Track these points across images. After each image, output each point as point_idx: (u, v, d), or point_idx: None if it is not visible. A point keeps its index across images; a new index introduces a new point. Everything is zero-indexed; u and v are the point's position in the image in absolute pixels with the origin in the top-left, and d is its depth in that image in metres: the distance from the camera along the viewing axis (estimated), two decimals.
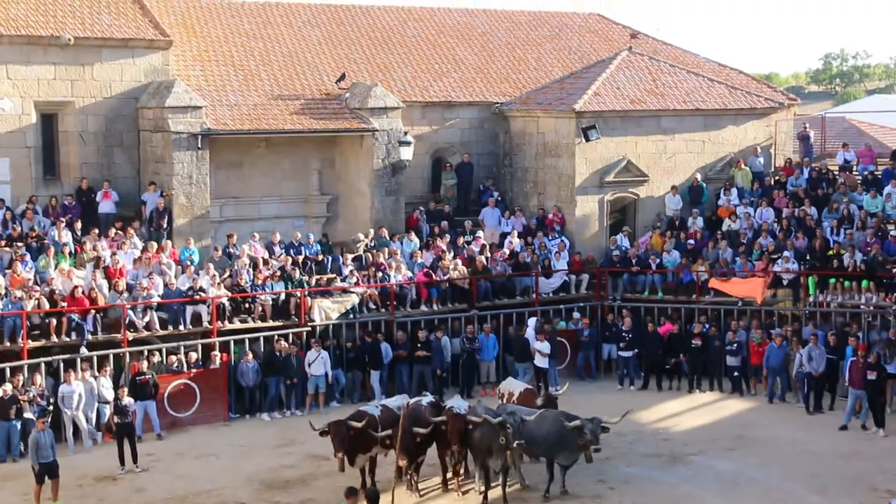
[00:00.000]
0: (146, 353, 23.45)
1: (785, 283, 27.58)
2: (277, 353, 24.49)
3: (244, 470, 20.18)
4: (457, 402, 19.70)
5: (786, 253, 27.68)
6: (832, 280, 27.09)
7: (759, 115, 32.75)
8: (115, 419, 20.89)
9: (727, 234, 29.74)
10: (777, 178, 32.04)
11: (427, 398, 20.03)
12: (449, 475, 19.34)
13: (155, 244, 26.07)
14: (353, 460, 18.72)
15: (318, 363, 24.57)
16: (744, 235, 29.45)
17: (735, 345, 25.70)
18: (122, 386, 22.00)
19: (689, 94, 32.09)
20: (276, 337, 24.87)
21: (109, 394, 22.52)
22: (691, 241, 29.58)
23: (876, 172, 31.28)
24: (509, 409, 19.29)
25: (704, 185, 31.42)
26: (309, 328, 25.53)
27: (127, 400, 21.04)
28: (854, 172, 31.76)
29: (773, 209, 30.34)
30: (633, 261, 28.97)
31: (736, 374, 25.80)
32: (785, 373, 25.16)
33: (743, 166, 31.89)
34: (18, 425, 21.20)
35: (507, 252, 29.04)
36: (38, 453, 18.34)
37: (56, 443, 19.08)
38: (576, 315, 27.94)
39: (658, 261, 29.01)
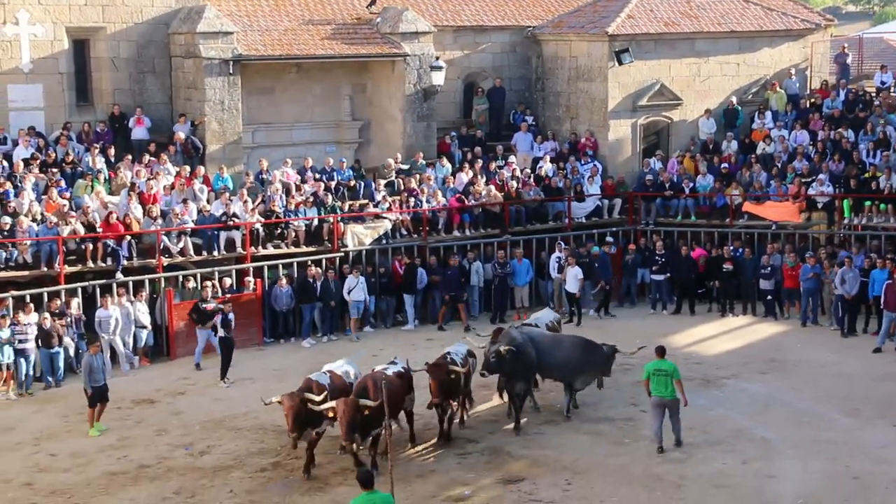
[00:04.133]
0: (187, 279, 23.64)
1: (819, 206, 27.37)
2: (310, 280, 24.59)
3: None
4: (456, 348, 18.79)
5: (820, 176, 27.41)
6: (867, 203, 26.84)
7: (795, 36, 32.22)
8: (221, 332, 21.39)
9: (761, 157, 29.46)
10: (812, 100, 31.61)
11: (396, 366, 17.79)
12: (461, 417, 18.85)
13: (188, 168, 26.14)
14: (300, 435, 16.35)
15: (358, 289, 24.68)
16: (778, 159, 29.17)
17: (769, 268, 25.59)
18: (228, 301, 22.48)
19: (723, 16, 31.59)
20: (308, 263, 24.98)
21: (146, 318, 22.82)
22: (725, 165, 29.34)
23: None
24: (534, 332, 19.56)
25: (739, 108, 31.07)
26: (342, 254, 25.63)
27: (231, 315, 21.55)
28: (892, 93, 31.23)
29: (808, 132, 30.00)
30: (667, 185, 28.78)
31: (769, 297, 25.73)
32: (819, 296, 25.06)
33: (778, 89, 31.47)
34: (62, 351, 21.48)
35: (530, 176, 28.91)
36: (91, 377, 18.58)
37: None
38: (609, 239, 27.87)
39: (691, 185, 28.82)
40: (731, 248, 26.56)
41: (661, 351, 17.76)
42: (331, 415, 16.10)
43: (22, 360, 21.00)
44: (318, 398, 16.18)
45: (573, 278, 25.58)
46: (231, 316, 21.61)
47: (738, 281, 26.18)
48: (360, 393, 16.31)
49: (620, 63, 29.66)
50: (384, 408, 15.42)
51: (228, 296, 23.66)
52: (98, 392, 18.71)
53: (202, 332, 22.73)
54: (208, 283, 23.42)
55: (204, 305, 22.78)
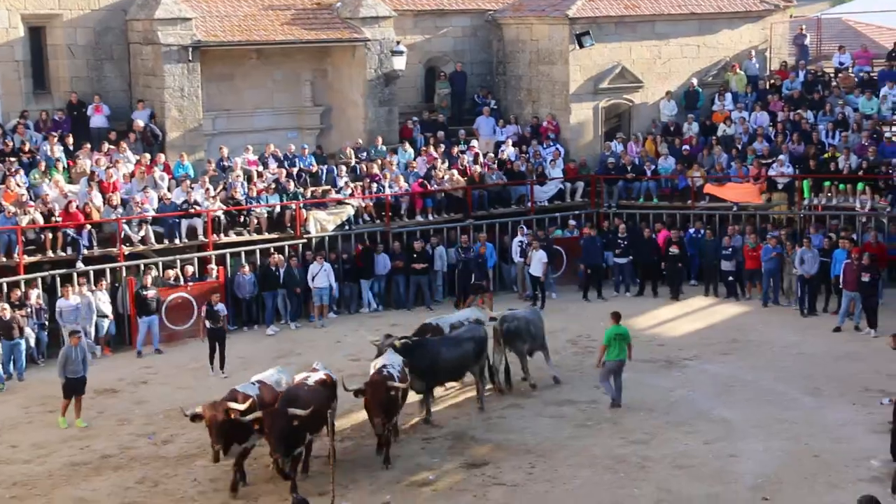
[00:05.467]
0: (146, 268, 23.52)
1: (780, 187, 27.57)
2: (273, 268, 24.52)
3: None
4: (390, 359, 17.24)
5: (780, 157, 27.61)
6: (827, 183, 27.08)
7: (755, 17, 32.40)
8: (207, 323, 21.15)
9: (722, 139, 29.63)
10: (772, 81, 31.80)
11: (318, 373, 16.58)
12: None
13: (148, 156, 25.96)
14: (227, 449, 15.22)
15: (322, 275, 24.64)
16: (738, 140, 29.35)
17: (730, 250, 25.75)
18: (215, 293, 22.09)
19: None
20: (270, 251, 24.88)
21: (107, 307, 22.67)
22: (686, 147, 29.48)
23: (872, 74, 31.08)
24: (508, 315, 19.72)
25: (700, 90, 31.22)
26: (304, 240, 25.56)
27: (220, 305, 21.32)
28: (850, 74, 31.49)
29: (767, 113, 30.19)
30: (629, 167, 28.89)
31: (730, 278, 25.90)
32: (780, 276, 25.27)
33: (738, 70, 31.66)
34: (23, 342, 21.29)
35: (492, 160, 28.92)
36: (67, 367, 18.39)
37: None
38: (571, 223, 27.95)
39: (653, 167, 28.93)
40: (692, 230, 26.70)
41: (617, 316, 18.84)
42: (257, 426, 15.00)
43: None
44: (241, 407, 15.00)
45: (538, 262, 25.62)
46: (219, 307, 21.35)
47: (685, 264, 26.30)
48: (289, 401, 15.17)
49: (581, 46, 29.70)
50: (318, 417, 15.13)
51: (190, 284, 23.57)
52: (74, 383, 18.47)
53: (142, 321, 22.63)
54: (150, 272, 23.32)
55: (144, 293, 22.66)
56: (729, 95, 31.04)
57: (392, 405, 16.39)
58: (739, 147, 29.01)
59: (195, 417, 15.12)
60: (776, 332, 23.12)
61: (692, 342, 22.65)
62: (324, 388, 16.11)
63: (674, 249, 26.05)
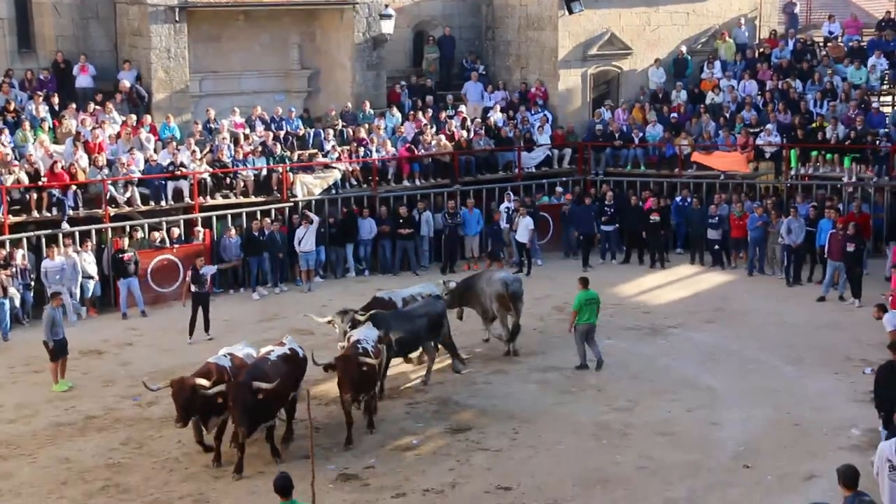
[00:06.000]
0: (128, 229, 23.45)
1: (767, 156, 27.59)
2: (256, 233, 24.40)
3: (227, 343, 20.23)
4: (365, 333, 16.75)
5: (768, 126, 27.62)
6: (814, 153, 27.10)
7: None
8: (193, 287, 20.93)
9: (710, 107, 29.60)
10: (761, 50, 31.74)
11: (283, 348, 16.05)
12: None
13: (134, 117, 25.81)
14: (206, 423, 15.21)
15: (307, 239, 24.58)
16: (727, 109, 29.34)
17: (716, 218, 25.79)
18: (200, 257, 21.68)
19: None
20: (256, 215, 24.80)
21: (92, 269, 22.62)
22: (674, 115, 29.46)
23: (861, 43, 31.03)
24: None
25: (689, 57, 31.14)
26: (291, 204, 25.49)
27: (205, 268, 21.13)
28: (839, 44, 31.44)
29: (756, 82, 30.16)
30: (616, 135, 28.86)
31: (716, 247, 25.96)
32: (765, 245, 25.34)
33: (727, 38, 31.57)
34: (7, 302, 21.23)
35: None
36: (53, 330, 18.31)
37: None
38: (559, 189, 27.95)
39: (641, 135, 28.91)
40: (679, 198, 26.74)
41: (585, 282, 19.26)
42: (220, 400, 14.78)
43: None
44: (207, 383, 14.67)
45: (524, 228, 25.62)
46: (205, 270, 21.14)
47: (667, 232, 26.40)
48: (254, 375, 14.82)
49: (571, 12, 29.57)
50: (284, 391, 14.85)
51: (176, 246, 23.52)
52: (60, 345, 18.45)
53: (122, 283, 22.60)
54: (127, 234, 23.26)
55: (121, 255, 22.60)
56: (718, 63, 30.98)
57: (365, 381, 15.84)
58: (727, 116, 29.00)
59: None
60: (761, 301, 23.20)
61: (677, 310, 22.72)
62: (289, 363, 15.72)
63: (654, 217, 26.04)
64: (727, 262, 26.00)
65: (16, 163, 23.28)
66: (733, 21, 32.01)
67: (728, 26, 31.92)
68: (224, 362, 15.47)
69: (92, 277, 22.70)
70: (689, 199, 26.68)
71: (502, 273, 21.18)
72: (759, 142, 27.58)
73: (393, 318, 18.09)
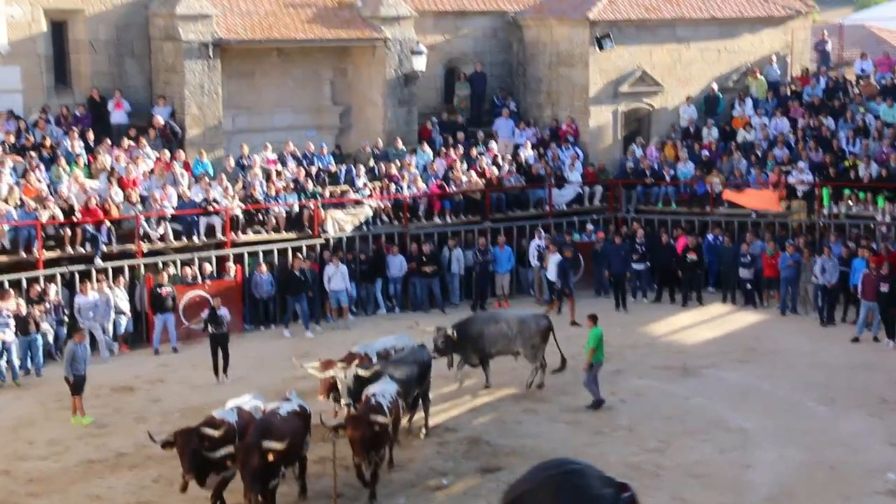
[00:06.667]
0: (164, 265, 23.57)
1: (799, 194, 27.46)
2: (295, 272, 24.28)
3: (257, 381, 20.33)
4: (383, 387, 16.03)
5: (800, 164, 27.51)
6: (847, 191, 26.95)
7: (776, 23, 32.26)
8: (211, 328, 20.77)
9: (742, 144, 29.53)
10: (793, 87, 31.68)
11: (291, 404, 15.38)
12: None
13: (168, 153, 26.01)
14: (202, 480, 14.40)
15: (338, 278, 24.64)
16: (758, 146, 29.25)
17: (748, 257, 25.66)
18: (216, 296, 21.58)
19: (704, 2, 31.58)
20: (290, 253, 24.83)
21: (125, 305, 22.74)
22: (706, 152, 29.39)
23: (894, 81, 30.90)
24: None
25: (720, 95, 31.11)
26: (322, 240, 25.57)
27: (223, 310, 20.90)
28: (872, 81, 31.33)
29: (788, 119, 30.07)
30: (647, 172, 28.82)
31: (749, 286, 25.80)
32: (797, 284, 25.17)
33: (758, 76, 31.53)
34: (39, 338, 21.36)
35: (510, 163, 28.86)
36: (73, 365, 18.42)
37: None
38: (589, 227, 27.90)
39: (672, 172, 28.86)
40: (710, 236, 26.61)
41: (595, 318, 19.29)
42: (229, 463, 14.17)
43: (3, 349, 20.76)
44: (215, 433, 14.18)
45: (554, 265, 25.57)
46: (223, 311, 20.90)
47: (703, 271, 26.24)
48: (263, 433, 14.06)
49: (601, 49, 29.64)
50: (293, 450, 14.19)
51: (208, 283, 23.60)
52: (80, 381, 18.55)
53: (158, 318, 22.71)
54: (167, 269, 23.36)
55: (159, 290, 22.72)
56: (749, 101, 30.93)
57: (377, 441, 14.98)
58: (759, 153, 28.91)
59: (166, 445, 14.30)
60: (794, 341, 23.03)
61: (709, 350, 22.59)
62: (298, 419, 15.08)
63: (692, 256, 25.93)
64: (759, 301, 25.83)
65: (51, 198, 23.48)
66: (764, 59, 31.97)
67: (759, 64, 31.87)
68: (230, 417, 14.95)
69: (124, 313, 22.81)
70: (720, 238, 26.56)
71: (521, 313, 21.03)
72: (790, 180, 27.45)
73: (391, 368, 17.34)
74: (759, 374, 20.96)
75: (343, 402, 16.51)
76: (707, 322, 24.77)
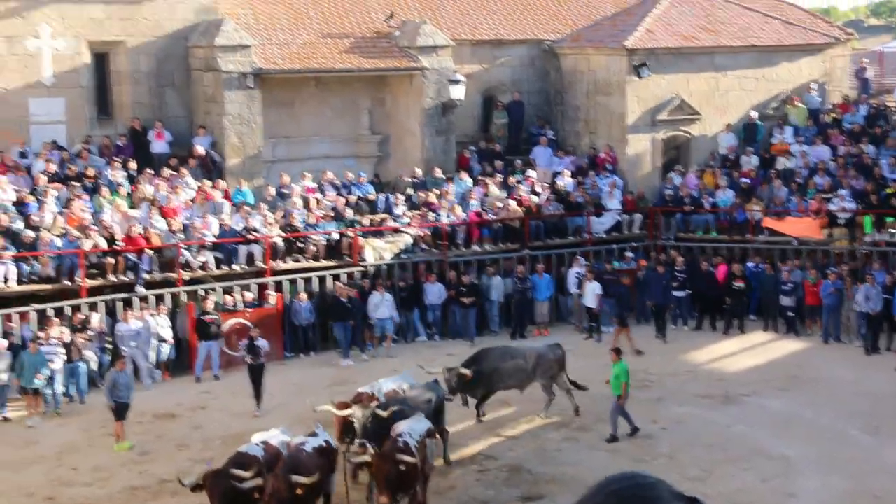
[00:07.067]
0: (206, 293, 23.71)
1: (841, 221, 27.27)
2: (342, 299, 24.28)
3: (296, 409, 20.36)
4: (412, 425, 15.57)
5: (841, 191, 27.33)
6: (889, 219, 26.73)
7: (815, 50, 32.15)
8: (248, 359, 20.71)
9: (782, 172, 29.38)
10: (833, 115, 31.52)
11: (318, 438, 15.21)
12: None
13: (208, 183, 26.23)
14: None
15: (384, 306, 24.66)
16: (799, 174, 29.09)
17: (790, 284, 25.47)
18: (255, 326, 21.60)
19: (742, 30, 31.55)
20: (330, 280, 24.91)
21: (167, 332, 22.89)
22: (745, 180, 29.26)
23: None
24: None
25: (759, 122, 30.99)
26: (362, 268, 25.65)
27: (261, 340, 20.78)
28: None
29: (828, 147, 29.91)
30: (687, 200, 28.72)
31: (790, 314, 25.59)
32: (839, 312, 24.94)
33: (798, 103, 31.39)
34: (83, 365, 21.53)
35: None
36: (114, 392, 18.57)
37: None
38: (628, 255, 27.80)
39: (711, 200, 28.74)
40: (751, 264, 26.43)
41: (620, 352, 19.32)
42: (256, 495, 13.96)
43: (53, 378, 20.85)
44: (247, 475, 13.90)
45: (592, 293, 25.51)
46: (260, 342, 20.82)
47: (749, 299, 26.05)
48: (290, 469, 13.93)
49: (639, 77, 29.63)
50: (319, 485, 13.91)
51: (249, 311, 23.71)
52: (122, 408, 18.69)
53: (203, 345, 22.82)
54: (210, 297, 23.48)
55: (205, 318, 22.84)
56: (789, 128, 30.79)
57: (403, 481, 14.53)
58: (800, 181, 28.75)
59: (195, 488, 14.09)
60: (837, 369, 22.80)
61: (751, 378, 22.40)
62: (324, 455, 14.92)
63: (739, 283, 25.73)
64: (802, 329, 25.60)
65: (93, 227, 23.73)
66: (803, 86, 31.84)
67: (798, 91, 31.73)
68: (257, 451, 14.78)
69: (166, 341, 22.95)
70: (761, 266, 26.39)
71: (535, 345, 21.05)
72: (832, 207, 27.28)
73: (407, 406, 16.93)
74: (801, 401, 20.77)
75: (357, 441, 15.87)
76: (748, 350, 24.57)
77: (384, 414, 15.98)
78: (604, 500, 2.73)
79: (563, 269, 27.18)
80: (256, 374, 20.65)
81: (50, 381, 20.77)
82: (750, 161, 30.08)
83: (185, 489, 16.61)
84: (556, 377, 20.07)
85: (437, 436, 16.90)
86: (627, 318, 25.06)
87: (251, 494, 13.93)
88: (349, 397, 18.95)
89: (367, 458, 14.62)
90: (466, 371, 19.17)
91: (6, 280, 22.39)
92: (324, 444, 14.99)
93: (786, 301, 25.51)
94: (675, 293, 26.43)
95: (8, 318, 21.80)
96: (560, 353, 20.26)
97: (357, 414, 16.33)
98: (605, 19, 32.55)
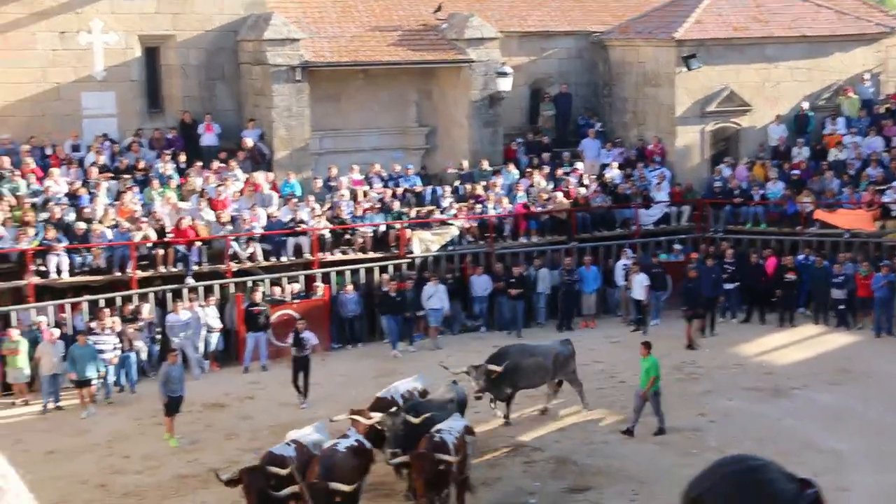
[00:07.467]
0: (254, 284, 23.86)
1: (894, 214, 26.88)
2: (390, 294, 24.34)
3: (344, 399, 20.45)
4: (451, 423, 15.30)
5: (894, 183, 26.95)
6: None
7: (869, 40, 31.67)
8: (294, 351, 20.71)
9: (833, 163, 29.03)
10: (887, 106, 31.04)
11: (349, 440, 14.85)
12: None
13: (257, 176, 26.39)
14: None
15: (437, 297, 24.70)
16: (851, 166, 28.73)
17: (841, 277, 25.16)
18: (301, 319, 21.62)
19: (794, 21, 31.15)
20: (377, 272, 24.98)
21: (216, 323, 23.08)
22: (796, 172, 28.95)
23: None
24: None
25: (810, 114, 30.62)
26: (408, 260, 25.70)
27: (307, 333, 20.79)
28: None
29: (882, 138, 29.50)
30: (736, 192, 28.47)
31: (841, 307, 25.29)
32: (892, 305, 24.60)
33: (850, 94, 30.97)
34: (133, 355, 21.77)
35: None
36: (167, 386, 18.66)
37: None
38: (676, 247, 27.63)
39: (761, 192, 28.47)
40: (801, 256, 26.15)
41: (650, 346, 19.00)
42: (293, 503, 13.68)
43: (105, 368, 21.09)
44: (283, 472, 13.71)
45: (639, 285, 25.37)
46: (306, 335, 20.76)
47: (800, 291, 25.79)
48: (327, 473, 13.57)
49: (689, 69, 29.37)
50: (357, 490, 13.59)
51: (296, 302, 23.85)
52: (175, 402, 18.78)
53: (251, 336, 22.96)
54: (258, 288, 23.60)
55: (253, 309, 22.98)
56: (841, 119, 30.40)
57: (442, 480, 14.30)
58: (852, 172, 28.39)
59: (230, 482, 13.99)
60: (888, 363, 22.47)
61: (801, 371, 22.18)
62: (358, 456, 14.65)
63: (790, 276, 25.47)
64: (853, 322, 25.30)
65: (144, 219, 23.98)
66: (856, 77, 31.41)
67: (851, 82, 31.31)
68: (288, 451, 14.51)
69: (214, 331, 23.11)
70: (811, 258, 26.10)
71: (548, 344, 20.78)
72: (885, 199, 26.91)
73: (436, 408, 16.66)
74: (852, 395, 20.52)
75: (388, 450, 15.60)
76: (798, 343, 24.32)
77: (416, 421, 15.58)
78: (718, 482, 2.73)
79: (611, 262, 27.06)
80: (303, 366, 20.68)
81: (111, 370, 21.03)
82: (801, 153, 29.74)
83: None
84: (575, 370, 19.94)
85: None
86: (701, 311, 24.64)
87: (287, 502, 13.69)
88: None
89: (405, 458, 14.40)
90: (496, 367, 18.81)
91: (59, 271, 22.68)
92: (356, 444, 14.68)
93: (837, 294, 25.22)
94: (724, 286, 26.19)
95: (61, 308, 22.12)
96: (571, 348, 20.13)
97: (388, 422, 15.82)
98: (655, 10, 32.28)
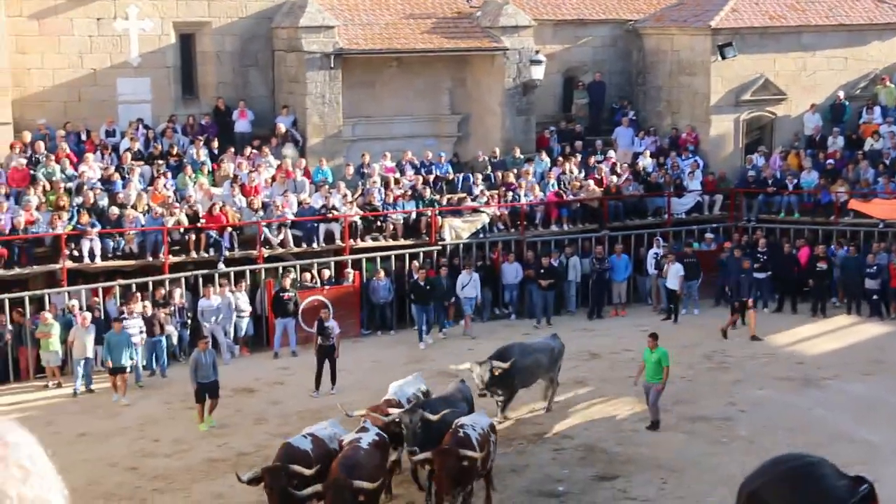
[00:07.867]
0: (285, 270, 23.95)
1: None
2: (421, 283, 24.24)
3: (374, 385, 20.45)
4: (474, 419, 15.22)
5: None
6: None
7: None
8: (319, 340, 20.54)
9: (869, 153, 28.75)
10: None
11: (369, 434, 14.48)
12: None
13: (289, 162, 26.48)
14: None
15: (471, 285, 24.70)
16: (887, 155, 28.44)
17: (874, 267, 24.95)
18: (325, 309, 21.45)
19: (831, 9, 30.85)
20: (405, 258, 25.03)
21: (247, 308, 23.19)
22: (830, 161, 28.70)
23: None
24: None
25: (846, 103, 30.33)
26: (439, 247, 25.71)
27: (331, 321, 20.68)
28: None
29: None
30: (769, 181, 28.26)
31: (875, 297, 25.08)
32: None
33: (888, 83, 30.64)
34: (164, 340, 21.93)
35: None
36: (198, 373, 18.66)
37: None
38: (708, 236, 27.47)
39: (795, 181, 28.25)
40: (833, 246, 25.93)
41: (657, 337, 18.50)
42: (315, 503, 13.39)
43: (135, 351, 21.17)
44: (308, 472, 13.43)
45: (674, 275, 25.23)
46: (330, 324, 20.49)
47: (831, 281, 25.58)
48: (350, 471, 13.13)
49: (724, 57, 29.17)
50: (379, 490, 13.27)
51: (326, 288, 23.93)
52: (206, 388, 18.68)
53: (279, 322, 23.05)
54: (289, 274, 23.64)
55: (282, 295, 23.07)
56: (878, 109, 30.08)
57: (465, 476, 13.96)
58: (887, 162, 28.11)
59: (252, 481, 13.73)
60: None
61: (832, 361, 22.02)
62: (379, 449, 14.30)
63: (822, 265, 25.29)
64: (886, 312, 25.07)
65: (177, 205, 24.14)
66: (894, 66, 31.06)
67: (889, 71, 30.98)
68: (305, 445, 14.29)
69: (245, 316, 23.22)
70: (845, 248, 25.88)
71: (542, 340, 20.45)
72: None
73: (442, 405, 16.14)
74: (885, 386, 20.34)
75: (407, 448, 15.31)
76: (830, 333, 24.15)
77: (434, 419, 15.21)
78: (775, 478, 2.74)
79: (642, 250, 26.96)
80: (327, 355, 20.56)
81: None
82: (836, 142, 29.48)
83: (264, 462, 16.89)
84: (560, 368, 19.76)
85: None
86: (755, 301, 24.41)
87: (308, 501, 13.47)
88: (427, 375, 19.15)
89: (428, 454, 14.09)
90: (504, 364, 18.37)
91: (92, 256, 22.87)
92: (377, 438, 14.41)
93: (870, 284, 25.01)
94: (756, 275, 25.92)
95: (94, 292, 22.31)
96: (561, 343, 19.87)
97: (406, 420, 15.34)
98: None
